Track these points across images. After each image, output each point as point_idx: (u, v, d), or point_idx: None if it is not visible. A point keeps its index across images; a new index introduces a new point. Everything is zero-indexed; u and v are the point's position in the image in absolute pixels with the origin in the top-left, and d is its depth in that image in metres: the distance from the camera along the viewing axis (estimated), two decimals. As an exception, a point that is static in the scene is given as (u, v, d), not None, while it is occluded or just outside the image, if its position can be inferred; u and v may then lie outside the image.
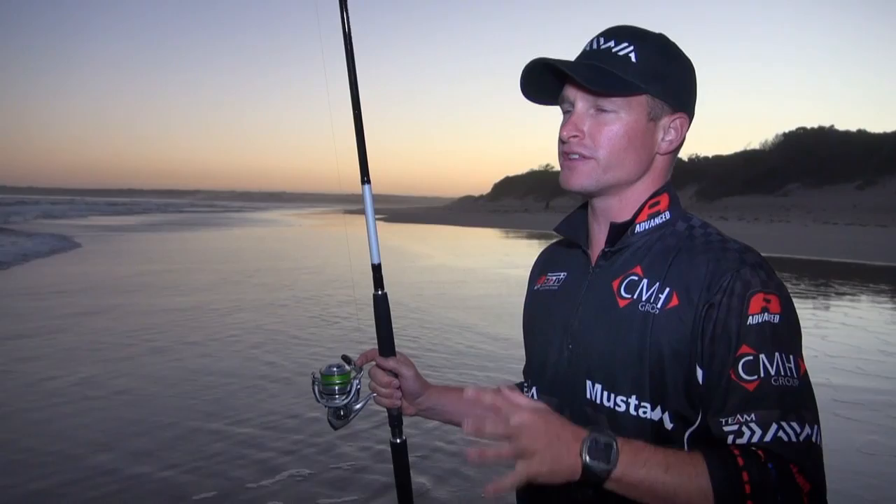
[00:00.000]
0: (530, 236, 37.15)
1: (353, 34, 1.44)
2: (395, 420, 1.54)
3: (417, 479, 4.53)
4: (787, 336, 1.11)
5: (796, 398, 1.07)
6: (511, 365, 7.40)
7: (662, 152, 1.25)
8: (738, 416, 1.06)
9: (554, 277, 1.39)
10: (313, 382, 1.52)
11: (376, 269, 1.51)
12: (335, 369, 1.51)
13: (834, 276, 17.80)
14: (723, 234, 1.23)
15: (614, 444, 0.99)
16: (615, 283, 1.22)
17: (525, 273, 1.53)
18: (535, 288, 1.45)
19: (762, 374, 1.07)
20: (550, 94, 1.27)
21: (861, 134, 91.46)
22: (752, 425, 1.05)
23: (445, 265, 19.27)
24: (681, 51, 1.25)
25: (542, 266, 1.48)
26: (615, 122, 1.20)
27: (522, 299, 1.47)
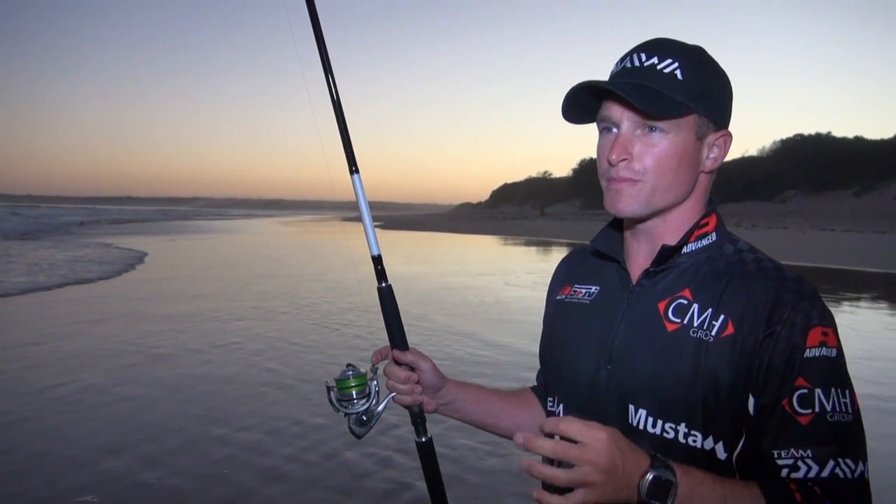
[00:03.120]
0: (528, 243, 37.16)
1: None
2: (418, 418, 1.45)
3: (420, 484, 4.58)
4: (843, 370, 1.11)
5: (851, 434, 1.07)
6: (510, 371, 7.44)
7: (707, 170, 1.22)
8: (793, 450, 1.06)
9: (584, 290, 1.34)
10: (329, 391, 1.43)
11: (377, 261, 1.44)
12: (350, 373, 1.43)
13: (831, 283, 17.84)
14: (773, 259, 1.21)
15: (674, 481, 0.96)
16: (661, 305, 1.18)
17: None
18: (559, 298, 1.40)
19: (817, 409, 1.06)
20: (588, 113, 1.22)
21: (858, 141, 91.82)
22: (809, 461, 1.05)
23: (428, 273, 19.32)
24: (719, 66, 1.21)
25: (566, 276, 1.43)
26: (664, 144, 1.15)
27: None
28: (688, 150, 1.16)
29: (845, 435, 1.06)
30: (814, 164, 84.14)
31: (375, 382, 1.44)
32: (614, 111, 1.17)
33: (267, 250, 28.66)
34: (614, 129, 1.18)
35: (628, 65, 1.18)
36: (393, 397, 1.45)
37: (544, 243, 36.95)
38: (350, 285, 15.05)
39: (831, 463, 1.05)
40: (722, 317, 1.13)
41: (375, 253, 1.44)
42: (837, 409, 1.07)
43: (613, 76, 1.20)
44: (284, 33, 1.40)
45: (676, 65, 1.15)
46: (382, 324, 1.47)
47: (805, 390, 1.07)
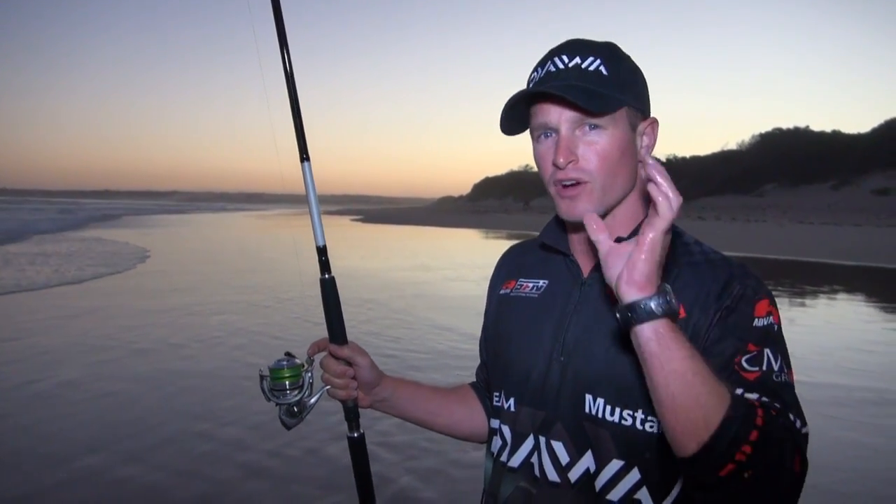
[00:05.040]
0: (509, 237, 37.20)
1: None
2: (352, 413, 1.45)
3: (404, 478, 4.59)
4: (784, 345, 1.12)
5: (794, 398, 1.06)
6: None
7: (641, 159, 1.22)
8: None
9: (531, 284, 1.35)
10: (262, 380, 1.41)
11: (322, 252, 1.43)
12: (284, 363, 1.41)
13: (808, 276, 18.05)
14: (717, 251, 1.23)
15: (676, 307, 0.95)
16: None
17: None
18: (504, 293, 1.40)
19: (764, 368, 1.06)
20: (521, 123, 1.24)
21: (836, 134, 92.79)
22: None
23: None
24: (631, 57, 1.24)
25: (509, 270, 1.43)
26: (605, 140, 1.16)
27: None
28: (626, 142, 1.18)
29: (790, 396, 1.06)
30: (792, 158, 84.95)
31: (310, 374, 1.43)
32: (551, 115, 1.17)
33: (251, 244, 28.52)
34: (552, 134, 1.19)
35: (552, 69, 1.19)
36: (327, 391, 1.43)
37: (525, 237, 36.99)
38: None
39: (786, 415, 1.03)
40: None
41: (321, 244, 1.42)
42: (784, 372, 1.08)
43: (537, 82, 1.21)
44: (251, 23, 1.38)
45: (599, 62, 1.17)
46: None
47: (754, 353, 1.08)
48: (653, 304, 0.93)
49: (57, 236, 29.75)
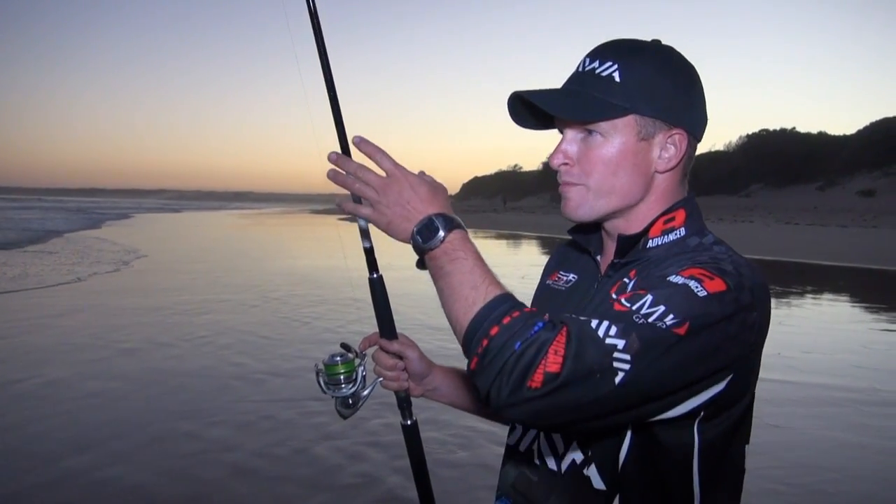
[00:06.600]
0: (498, 237, 37.23)
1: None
2: (404, 402, 1.53)
3: (392, 478, 4.57)
4: (699, 310, 0.96)
5: (641, 329, 0.93)
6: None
7: (662, 170, 1.19)
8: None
9: (565, 277, 1.39)
10: (317, 374, 1.50)
11: (369, 253, 1.46)
12: (338, 358, 1.49)
13: (794, 277, 18.16)
14: (732, 251, 1.15)
15: (442, 233, 1.08)
16: (612, 290, 1.20)
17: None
18: (546, 282, 1.44)
19: (633, 307, 0.96)
20: (549, 119, 1.22)
21: (822, 136, 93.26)
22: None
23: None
24: (677, 61, 1.19)
25: (557, 261, 1.46)
26: (603, 147, 1.16)
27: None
28: (628, 153, 1.16)
29: (630, 328, 0.92)
30: (779, 159, 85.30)
31: (363, 368, 1.51)
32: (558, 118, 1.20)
33: (240, 244, 28.43)
34: (561, 135, 1.22)
35: (577, 70, 1.21)
36: (380, 382, 1.52)
37: (516, 237, 37.06)
38: (319, 278, 14.99)
39: (605, 323, 0.93)
40: (638, 285, 1.14)
41: (367, 245, 1.46)
42: (652, 319, 0.94)
43: (564, 83, 1.23)
44: (254, 16, 1.36)
45: (616, 67, 1.15)
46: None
47: (639, 294, 0.99)
48: (420, 239, 1.09)
49: (93, 232, 32.24)
